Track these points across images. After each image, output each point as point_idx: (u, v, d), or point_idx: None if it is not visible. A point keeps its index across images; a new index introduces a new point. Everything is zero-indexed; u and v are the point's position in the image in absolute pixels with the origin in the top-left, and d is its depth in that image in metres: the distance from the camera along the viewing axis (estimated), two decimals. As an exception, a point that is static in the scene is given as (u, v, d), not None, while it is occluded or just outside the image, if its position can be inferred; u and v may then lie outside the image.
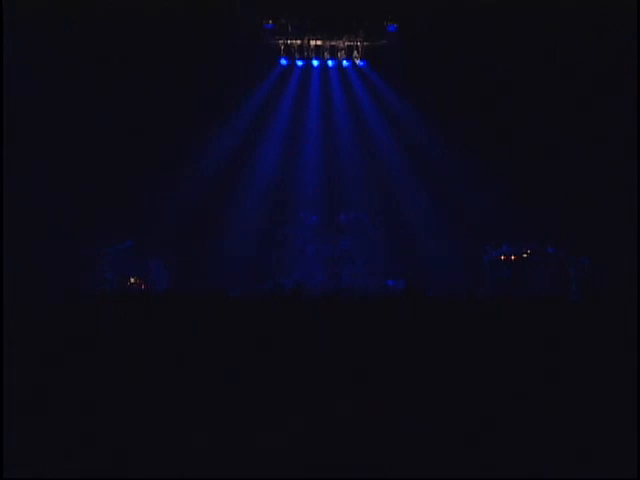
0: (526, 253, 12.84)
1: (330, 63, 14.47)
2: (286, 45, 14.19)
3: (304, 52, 14.28)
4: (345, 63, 14.49)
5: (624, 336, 5.80)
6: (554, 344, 5.90)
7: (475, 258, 13.12)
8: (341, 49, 14.36)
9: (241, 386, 5.18)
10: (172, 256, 13.42)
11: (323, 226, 14.18)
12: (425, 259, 13.70)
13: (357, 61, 14.40)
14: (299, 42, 14.19)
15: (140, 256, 13.18)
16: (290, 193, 14.43)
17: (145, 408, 4.86)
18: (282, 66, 14.40)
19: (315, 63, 14.40)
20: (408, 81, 13.97)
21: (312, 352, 5.83)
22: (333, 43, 14.31)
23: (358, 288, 13.04)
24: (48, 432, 4.54)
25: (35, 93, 12.40)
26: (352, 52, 14.35)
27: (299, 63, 14.38)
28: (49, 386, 5.10)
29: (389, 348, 5.91)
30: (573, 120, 12.86)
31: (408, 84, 14.03)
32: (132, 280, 12.97)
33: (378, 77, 14.65)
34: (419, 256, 13.80)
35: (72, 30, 12.46)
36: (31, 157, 12.51)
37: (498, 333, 6.20)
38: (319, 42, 14.27)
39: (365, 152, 14.65)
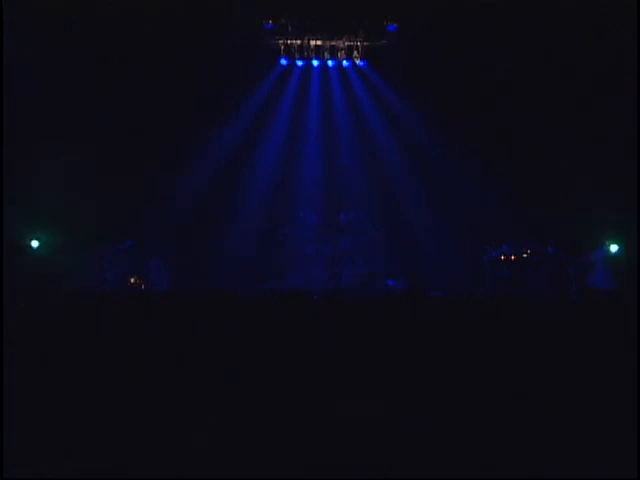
0: (526, 253, 12.85)
1: (330, 63, 14.47)
2: (286, 45, 14.20)
3: (304, 52, 14.28)
4: (345, 63, 14.49)
5: (624, 336, 5.80)
6: (554, 344, 5.90)
7: (475, 258, 13.12)
8: (341, 49, 14.36)
9: (241, 386, 5.18)
10: (172, 256, 13.42)
11: (323, 226, 14.18)
12: (425, 259, 13.70)
13: (357, 61, 14.41)
14: (299, 42, 14.20)
15: (140, 256, 13.18)
16: (290, 193, 14.43)
17: (145, 408, 4.86)
18: (282, 66, 14.40)
19: (315, 63, 14.41)
20: (408, 81, 13.97)
21: (312, 352, 5.83)
22: (333, 43, 14.32)
23: (358, 288, 13.06)
24: (48, 432, 4.54)
25: (35, 93, 12.41)
26: (352, 52, 14.36)
27: (299, 63, 14.38)
28: (49, 386, 5.10)
29: (389, 348, 5.91)
30: (573, 120, 12.85)
31: (408, 84, 14.03)
32: (132, 280, 12.97)
33: (378, 77, 14.65)
34: (419, 256, 13.80)
35: (72, 30, 12.46)
36: (31, 157, 12.52)
37: (498, 333, 6.20)
38: (319, 42, 14.28)
39: (365, 152, 14.65)
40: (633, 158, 12.16)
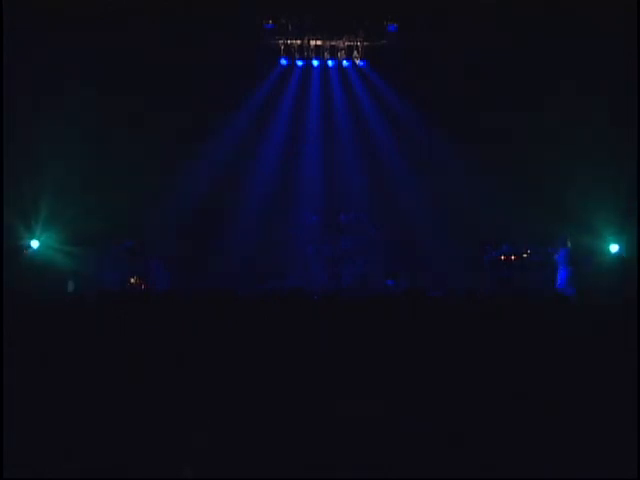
0: (526, 253, 12.83)
1: (330, 63, 14.47)
2: (286, 45, 14.20)
3: (304, 52, 14.29)
4: (345, 63, 14.50)
5: (624, 336, 5.80)
6: (554, 344, 5.90)
7: (475, 258, 13.11)
8: (341, 49, 14.37)
9: (241, 386, 5.18)
10: (172, 256, 13.41)
11: (323, 226, 14.17)
12: (425, 259, 13.69)
13: (357, 61, 14.41)
14: (299, 42, 14.20)
15: (140, 256, 13.17)
16: (290, 193, 14.43)
17: (145, 408, 4.86)
18: (282, 66, 14.41)
19: (315, 63, 14.41)
20: (408, 81, 13.97)
21: (312, 352, 5.83)
22: (333, 43, 14.33)
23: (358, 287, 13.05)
24: (48, 432, 4.54)
25: (35, 93, 12.41)
26: (352, 52, 14.37)
27: (299, 63, 14.39)
28: (49, 386, 5.10)
29: (389, 348, 5.91)
30: (574, 120, 12.84)
31: (408, 84, 14.03)
32: (132, 280, 12.96)
33: (378, 77, 14.65)
34: (419, 256, 13.79)
35: (72, 30, 12.46)
36: (31, 157, 12.52)
37: (498, 333, 6.20)
38: (319, 42, 14.28)
39: (365, 152, 14.64)
40: (633, 159, 12.17)
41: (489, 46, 13.07)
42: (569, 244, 12.43)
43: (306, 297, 8.19)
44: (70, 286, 12.06)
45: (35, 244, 12.81)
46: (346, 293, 12.22)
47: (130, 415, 4.75)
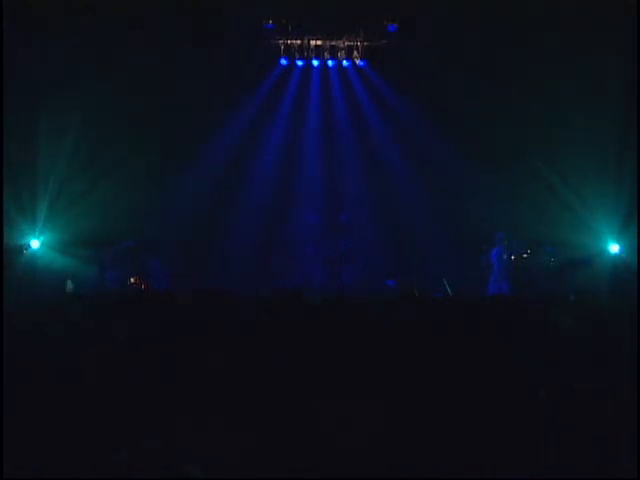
0: (526, 253, 12.84)
1: (330, 63, 14.48)
2: (286, 45, 14.22)
3: (304, 52, 14.30)
4: (345, 63, 14.51)
5: (624, 336, 5.80)
6: (554, 344, 5.91)
7: (475, 258, 13.11)
8: (341, 49, 14.39)
9: (241, 386, 5.19)
10: (172, 256, 13.41)
11: (323, 226, 14.17)
12: (425, 259, 13.68)
13: (357, 61, 14.42)
14: (299, 42, 14.21)
15: (140, 256, 13.18)
16: (290, 193, 14.43)
17: (145, 408, 4.86)
18: (282, 66, 14.41)
19: (315, 63, 14.42)
20: (408, 81, 13.98)
21: (312, 352, 5.84)
22: (333, 43, 14.34)
23: (358, 288, 13.06)
24: (48, 432, 4.55)
25: (35, 93, 12.42)
26: (352, 52, 14.38)
27: (299, 63, 14.40)
28: (49, 386, 5.11)
29: (389, 348, 5.91)
30: (574, 121, 12.84)
31: (408, 84, 14.04)
32: (132, 280, 12.97)
33: (378, 77, 14.66)
34: (419, 256, 13.78)
35: (72, 30, 12.47)
36: (31, 157, 12.53)
37: (498, 333, 6.20)
38: (319, 42, 14.30)
39: (365, 152, 14.65)
40: (633, 159, 12.18)
41: (489, 46, 13.07)
42: (505, 243, 12.55)
43: (306, 297, 8.20)
44: (69, 285, 12.05)
45: (35, 244, 12.81)
46: (346, 293, 12.24)
47: (130, 415, 4.76)
